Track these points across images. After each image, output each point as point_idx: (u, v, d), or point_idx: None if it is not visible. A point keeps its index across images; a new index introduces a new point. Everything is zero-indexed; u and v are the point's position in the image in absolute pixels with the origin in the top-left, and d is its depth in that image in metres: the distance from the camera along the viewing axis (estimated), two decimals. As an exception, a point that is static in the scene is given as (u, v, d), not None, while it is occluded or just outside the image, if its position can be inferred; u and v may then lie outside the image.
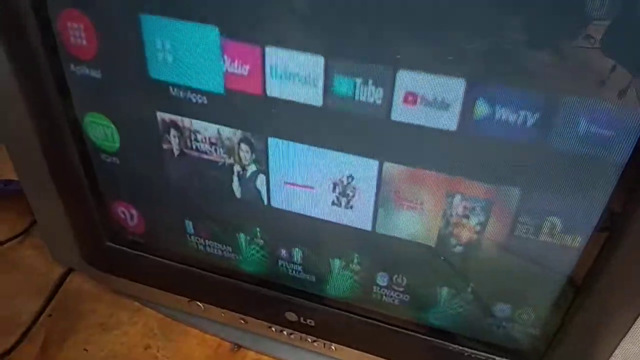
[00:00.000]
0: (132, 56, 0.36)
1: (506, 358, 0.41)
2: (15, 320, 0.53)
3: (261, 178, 0.39)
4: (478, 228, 0.35)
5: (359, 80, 0.32)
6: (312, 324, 0.46)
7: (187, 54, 0.34)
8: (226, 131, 0.37)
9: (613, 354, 0.37)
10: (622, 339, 0.36)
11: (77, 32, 0.37)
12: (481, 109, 0.30)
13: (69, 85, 0.40)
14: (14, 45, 0.39)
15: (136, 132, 0.41)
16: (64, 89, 0.41)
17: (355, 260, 0.41)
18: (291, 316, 0.47)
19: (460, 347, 0.42)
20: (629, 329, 0.35)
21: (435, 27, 0.29)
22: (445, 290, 0.40)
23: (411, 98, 0.31)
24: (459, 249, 0.37)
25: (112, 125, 0.41)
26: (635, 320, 0.35)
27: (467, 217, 0.35)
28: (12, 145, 0.47)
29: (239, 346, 0.53)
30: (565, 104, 0.28)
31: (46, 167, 0.46)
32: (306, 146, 0.36)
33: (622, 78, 0.27)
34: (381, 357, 0.46)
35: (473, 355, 0.42)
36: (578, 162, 0.30)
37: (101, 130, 0.42)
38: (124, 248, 0.50)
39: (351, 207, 0.38)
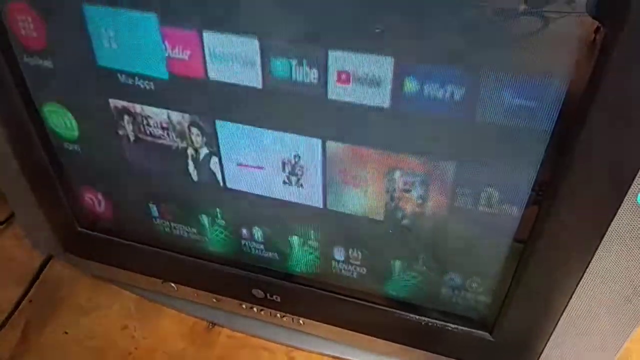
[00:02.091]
0: (79, 45, 0.37)
1: (462, 326, 0.43)
2: (-4, 307, 0.55)
3: (214, 160, 0.40)
4: (420, 201, 0.36)
5: (294, 62, 0.32)
6: (278, 299, 0.48)
7: (131, 41, 0.35)
8: (175, 115, 0.38)
9: (561, 317, 0.38)
10: (567, 301, 0.37)
11: (25, 24, 0.38)
12: (410, 85, 0.31)
13: (25, 76, 0.41)
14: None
15: (92, 120, 0.42)
16: (21, 80, 0.42)
17: (312, 237, 0.42)
18: (258, 293, 0.48)
19: (418, 317, 0.44)
20: (573, 292, 0.37)
21: (360, 6, 0.30)
22: (398, 263, 0.41)
23: (344, 76, 0.32)
24: (405, 222, 0.38)
25: (69, 114, 0.42)
26: (578, 281, 0.36)
27: (408, 191, 0.36)
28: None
29: (214, 324, 0.55)
30: (487, 77, 0.29)
31: (14, 158, 0.47)
32: (252, 127, 0.37)
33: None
34: (347, 329, 0.48)
35: (430, 324, 0.43)
36: (506, 133, 0.31)
37: (60, 120, 0.43)
38: (96, 233, 0.51)
39: (301, 186, 0.39)
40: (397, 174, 0.35)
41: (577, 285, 0.36)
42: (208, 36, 0.33)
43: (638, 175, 0.29)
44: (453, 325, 0.43)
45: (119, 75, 0.37)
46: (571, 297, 0.37)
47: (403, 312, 0.44)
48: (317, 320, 0.49)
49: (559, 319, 0.38)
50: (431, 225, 0.37)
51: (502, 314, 0.40)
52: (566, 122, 0.30)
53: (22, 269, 0.60)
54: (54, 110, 0.42)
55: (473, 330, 0.42)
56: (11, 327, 0.54)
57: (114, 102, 0.39)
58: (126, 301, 0.57)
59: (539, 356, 0.41)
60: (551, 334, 0.39)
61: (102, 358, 0.52)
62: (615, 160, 0.29)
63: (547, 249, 0.35)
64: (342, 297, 0.45)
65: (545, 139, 0.31)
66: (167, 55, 0.35)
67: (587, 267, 0.35)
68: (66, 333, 0.54)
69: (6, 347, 0.53)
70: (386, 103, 0.32)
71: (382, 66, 0.31)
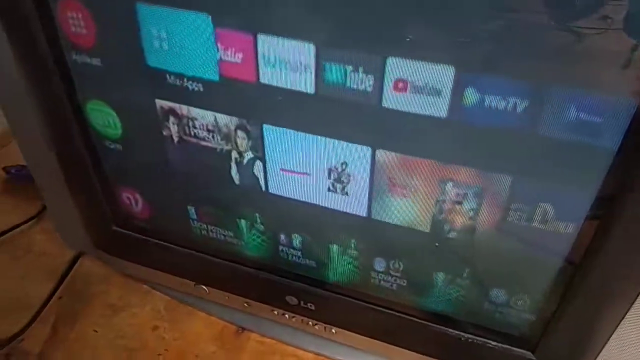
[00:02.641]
0: (129, 44, 0.37)
1: (503, 343, 0.42)
2: (27, 302, 0.55)
3: (258, 164, 0.39)
4: (471, 214, 0.35)
5: (349, 68, 0.32)
6: (312, 307, 0.47)
7: (182, 42, 0.35)
8: (222, 118, 0.38)
9: (609, 340, 0.37)
10: (617, 325, 0.36)
11: (76, 21, 0.37)
12: (470, 96, 0.30)
13: (72, 74, 0.41)
14: (18, 36, 0.40)
15: (137, 119, 0.42)
16: (67, 78, 0.42)
17: (353, 246, 0.42)
18: (292, 300, 0.47)
19: (457, 332, 0.43)
20: (624, 316, 0.35)
21: (424, 16, 0.29)
22: (441, 276, 0.40)
23: (401, 85, 0.31)
24: (452, 234, 0.37)
25: (114, 113, 0.42)
26: (631, 305, 0.35)
27: (459, 203, 0.35)
28: (20, 134, 0.48)
29: (243, 328, 0.54)
30: (554, 91, 0.28)
31: (53, 155, 0.47)
32: (300, 133, 0.36)
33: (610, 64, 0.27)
34: (380, 341, 0.47)
35: (470, 340, 0.42)
36: (567, 149, 0.30)
37: (103, 118, 0.43)
38: (131, 233, 0.51)
39: (346, 194, 0.38)
40: (449, 185, 0.34)
41: (628, 310, 0.35)
42: (263, 39, 0.33)
43: None
44: (494, 343, 0.42)
45: (167, 76, 0.37)
46: (620, 322, 0.36)
47: (442, 326, 0.43)
48: (351, 330, 0.48)
49: (605, 344, 0.37)
50: (480, 240, 0.36)
51: (546, 334, 0.39)
52: (632, 141, 0.29)
53: (53, 263, 0.60)
54: (98, 108, 0.42)
55: (515, 348, 0.41)
56: (41, 322, 0.54)
57: (161, 103, 0.39)
58: (157, 302, 0.57)
59: (583, 379, 0.40)
60: (597, 357, 0.38)
61: (132, 358, 0.52)
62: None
63: (601, 270, 0.34)
64: (378, 308, 0.45)
65: (609, 156, 0.29)
66: (219, 57, 0.34)
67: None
68: (96, 331, 0.54)
69: (37, 341, 0.53)
70: (443, 113, 0.31)
71: (442, 76, 0.30)
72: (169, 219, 0.48)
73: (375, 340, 0.47)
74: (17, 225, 0.63)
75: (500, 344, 0.42)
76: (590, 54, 0.27)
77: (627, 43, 0.26)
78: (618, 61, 0.27)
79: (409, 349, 0.46)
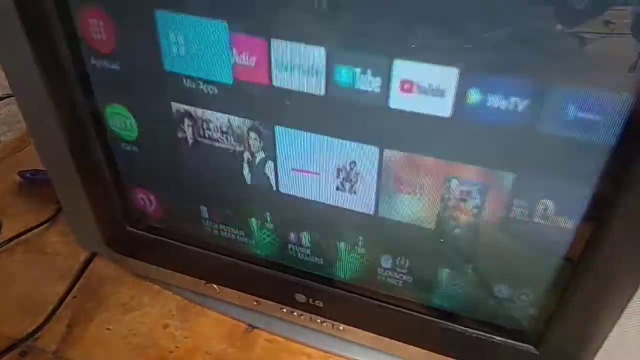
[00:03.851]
0: (148, 50, 0.38)
1: (507, 338, 0.43)
2: (42, 302, 0.57)
3: (269, 164, 0.41)
4: (475, 211, 0.37)
5: (358, 70, 0.33)
6: (321, 305, 0.48)
7: (199, 47, 0.37)
8: (236, 120, 0.39)
9: (609, 333, 0.38)
10: (617, 318, 0.37)
11: (96, 27, 0.39)
12: (474, 96, 0.32)
13: (91, 78, 0.43)
14: (39, 42, 0.42)
15: (153, 122, 0.43)
16: (86, 82, 0.43)
17: (360, 244, 0.43)
18: (300, 297, 0.49)
19: (463, 328, 0.44)
20: (624, 309, 0.37)
21: (429, 20, 0.31)
22: (446, 272, 0.41)
23: (407, 86, 0.33)
24: (457, 231, 0.38)
25: (131, 116, 0.43)
26: (630, 299, 0.36)
27: (464, 200, 0.36)
28: (38, 137, 0.50)
29: (253, 327, 0.56)
30: (553, 91, 0.30)
31: (70, 157, 0.48)
32: (310, 134, 0.38)
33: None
34: (387, 337, 0.48)
35: (474, 335, 0.43)
36: (567, 146, 0.31)
37: (121, 121, 0.44)
38: (144, 233, 0.53)
39: (355, 192, 0.40)
40: (454, 182, 0.36)
41: (627, 304, 0.36)
42: (276, 44, 0.34)
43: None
44: (498, 338, 0.43)
45: (184, 79, 0.39)
46: (620, 315, 0.37)
47: (447, 322, 0.44)
48: (358, 327, 0.49)
49: (607, 337, 0.38)
50: (483, 236, 0.38)
51: (549, 328, 0.40)
52: (629, 138, 0.30)
53: (67, 264, 0.61)
54: (116, 111, 0.44)
55: (518, 343, 0.42)
56: (56, 320, 0.56)
57: (177, 106, 0.41)
58: (168, 301, 0.58)
59: (584, 372, 0.41)
60: (598, 350, 0.39)
61: (144, 355, 0.53)
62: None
63: (601, 264, 0.35)
64: (385, 304, 0.46)
65: (608, 152, 0.31)
66: (233, 61, 0.36)
67: (639, 285, 0.35)
68: (109, 329, 0.56)
69: (52, 339, 0.54)
70: (448, 113, 0.33)
71: (446, 77, 0.31)
72: (181, 219, 0.50)
73: (382, 337, 0.48)
74: (32, 228, 0.65)
75: (504, 339, 0.43)
76: (588, 56, 0.29)
77: (624, 46, 0.27)
78: (614, 62, 0.28)
79: (415, 345, 0.47)
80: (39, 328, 0.54)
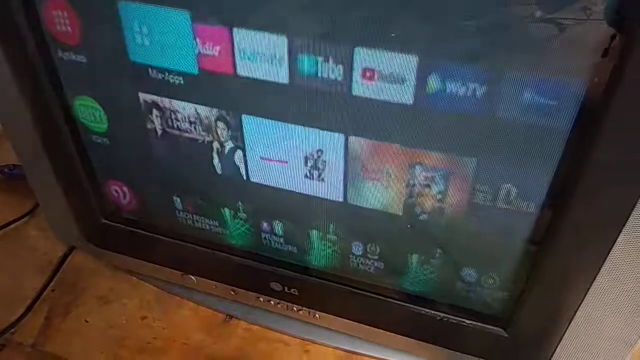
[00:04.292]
0: (113, 41, 0.38)
1: (477, 321, 0.44)
2: (20, 295, 0.57)
3: (239, 154, 0.41)
4: (439, 196, 0.37)
5: (320, 58, 0.34)
6: (296, 292, 0.49)
7: (163, 37, 0.37)
8: (203, 110, 0.39)
9: (575, 315, 0.39)
10: (581, 300, 0.38)
11: (61, 19, 0.39)
12: (433, 83, 0.32)
13: (59, 71, 0.43)
14: (5, 36, 0.41)
15: (122, 113, 0.43)
16: (54, 75, 0.43)
17: (331, 231, 0.44)
18: (276, 286, 0.49)
19: (434, 312, 0.44)
20: (587, 292, 0.37)
21: (387, 7, 0.31)
22: (415, 257, 0.42)
23: (369, 74, 0.33)
24: (423, 217, 0.39)
25: (100, 107, 0.43)
26: (592, 282, 0.37)
27: (428, 186, 0.37)
28: (11, 131, 0.50)
29: (231, 317, 0.56)
30: (507, 76, 0.30)
31: (44, 151, 0.48)
32: (277, 122, 0.38)
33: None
34: (362, 323, 0.49)
35: (445, 320, 0.44)
36: (525, 131, 0.32)
37: (90, 113, 0.44)
38: (119, 225, 0.53)
39: (323, 180, 0.40)
40: (418, 169, 0.36)
41: (591, 284, 0.37)
42: (238, 33, 0.35)
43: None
44: (468, 321, 0.44)
45: (150, 70, 0.39)
46: (585, 295, 0.38)
47: (419, 307, 0.45)
48: (333, 314, 0.50)
49: (573, 317, 0.39)
50: (449, 221, 0.38)
51: (516, 311, 0.41)
52: (583, 123, 0.31)
53: (46, 258, 0.61)
54: (84, 104, 0.44)
55: (487, 326, 0.43)
56: (34, 314, 0.56)
57: (144, 97, 0.41)
58: (146, 293, 0.58)
59: (553, 353, 0.42)
60: (565, 331, 0.40)
61: (122, 346, 0.53)
62: (630, 160, 0.30)
63: (562, 247, 0.36)
64: (358, 291, 0.47)
65: (564, 137, 0.31)
66: (197, 51, 0.36)
67: (601, 266, 0.35)
68: (87, 321, 0.56)
69: (30, 333, 0.54)
70: (409, 100, 0.33)
71: (406, 64, 0.32)
72: (155, 210, 0.50)
73: (356, 323, 0.49)
74: (10, 222, 0.65)
75: (473, 322, 0.43)
76: (544, 41, 0.29)
77: (580, 32, 0.28)
78: (568, 48, 0.29)
79: (388, 330, 0.48)
80: (17, 321, 0.55)
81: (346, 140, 0.37)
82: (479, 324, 0.43)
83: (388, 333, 0.48)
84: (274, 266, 0.48)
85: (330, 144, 0.38)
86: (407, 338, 0.47)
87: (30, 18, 0.40)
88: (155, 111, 0.41)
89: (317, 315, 0.51)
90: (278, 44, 0.34)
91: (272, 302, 0.52)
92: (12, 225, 0.65)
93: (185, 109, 0.40)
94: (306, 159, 0.39)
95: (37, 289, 0.57)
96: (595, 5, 0.27)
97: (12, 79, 0.44)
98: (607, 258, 0.35)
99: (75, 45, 0.40)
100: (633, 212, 0.32)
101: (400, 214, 0.39)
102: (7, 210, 0.66)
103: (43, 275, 0.59)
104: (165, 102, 0.40)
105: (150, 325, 0.55)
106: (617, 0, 0.26)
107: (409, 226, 0.40)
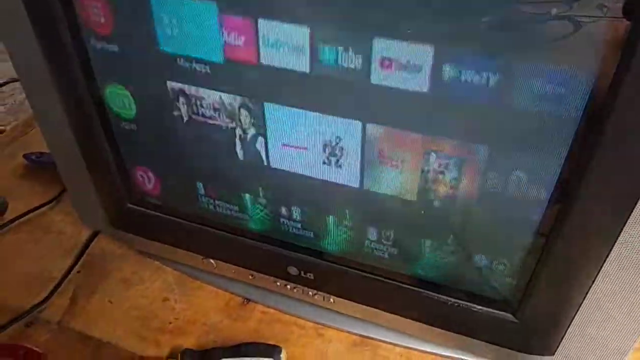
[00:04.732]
0: (144, 31, 0.41)
1: (487, 307, 0.45)
2: (47, 277, 0.59)
3: (260, 140, 0.43)
4: (453, 183, 0.39)
5: (340, 48, 0.35)
6: (312, 277, 0.51)
7: (191, 28, 0.39)
8: (227, 97, 0.41)
9: (583, 302, 0.40)
10: (589, 287, 0.39)
11: (95, 9, 0.41)
12: (448, 72, 0.33)
13: (91, 60, 0.45)
14: (42, 26, 0.44)
15: (150, 100, 0.45)
16: (87, 63, 0.46)
17: (347, 217, 0.45)
18: (293, 270, 0.51)
19: (445, 297, 0.46)
20: (595, 278, 0.39)
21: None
22: (428, 243, 0.44)
23: (387, 63, 0.35)
24: (437, 203, 0.40)
25: (129, 95, 0.46)
26: (600, 267, 0.38)
27: (442, 173, 0.38)
28: (42, 119, 0.52)
29: (248, 300, 0.58)
30: (521, 67, 0.32)
31: (73, 138, 0.51)
32: (297, 110, 0.40)
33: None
34: (374, 308, 0.50)
35: (456, 305, 0.46)
36: (536, 120, 0.33)
37: (120, 100, 0.46)
38: (144, 209, 0.55)
39: (340, 166, 0.42)
40: (433, 156, 0.38)
41: (599, 271, 0.38)
42: (262, 24, 0.36)
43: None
44: (478, 306, 0.45)
45: (178, 59, 0.41)
46: (593, 282, 0.39)
47: (431, 292, 0.46)
48: (347, 299, 0.51)
49: (581, 304, 0.40)
50: (461, 207, 0.40)
51: (526, 297, 0.42)
52: (593, 111, 0.32)
53: (72, 242, 0.64)
54: (115, 91, 0.46)
55: (497, 311, 0.44)
56: (61, 294, 0.58)
57: (172, 84, 0.43)
58: (167, 276, 0.61)
59: (561, 339, 0.43)
60: (573, 317, 0.41)
61: (145, 326, 0.56)
62: (638, 149, 0.31)
63: (571, 234, 0.37)
64: (373, 276, 0.48)
65: (574, 125, 0.33)
66: (223, 41, 0.38)
67: (609, 254, 0.37)
68: (111, 302, 0.58)
69: (56, 311, 0.57)
70: (425, 88, 0.35)
71: (422, 54, 0.33)
72: (179, 195, 0.52)
73: (370, 308, 0.51)
74: (37, 207, 0.68)
75: (484, 308, 0.45)
76: (554, 33, 0.31)
77: (593, 26, 0.29)
78: (579, 39, 0.30)
79: (401, 315, 0.49)
80: (44, 301, 0.57)
81: (364, 127, 0.39)
82: (489, 309, 0.45)
83: (399, 317, 0.50)
84: (291, 251, 0.50)
85: (348, 131, 0.39)
86: (418, 323, 0.49)
87: (65, 8, 0.42)
88: (181, 99, 0.43)
89: (332, 300, 0.52)
90: (300, 34, 0.36)
91: (288, 287, 0.54)
92: (39, 211, 0.68)
93: (210, 96, 0.42)
94: (325, 146, 0.41)
95: (63, 271, 0.60)
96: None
97: (46, 67, 0.46)
98: (615, 245, 0.36)
99: (107, 34, 0.42)
100: (640, 201, 0.33)
101: (415, 199, 0.41)
102: (32, 196, 0.69)
103: (68, 258, 0.61)
104: (192, 89, 0.42)
105: (171, 307, 0.58)
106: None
107: (422, 212, 0.41)
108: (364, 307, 0.51)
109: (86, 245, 0.63)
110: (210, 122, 0.44)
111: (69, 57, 0.45)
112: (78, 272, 0.61)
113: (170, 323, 0.56)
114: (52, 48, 0.45)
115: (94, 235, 0.64)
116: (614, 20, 0.29)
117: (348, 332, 0.55)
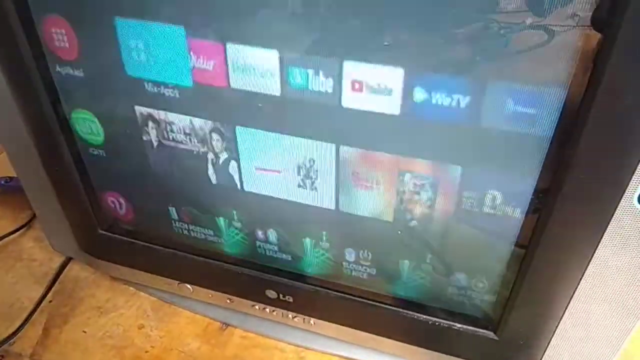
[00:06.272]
0: (110, 56, 0.40)
1: (467, 325, 0.45)
2: (18, 307, 0.57)
3: (233, 164, 0.42)
4: (428, 203, 0.38)
5: (310, 71, 0.35)
6: (291, 300, 0.50)
7: (159, 52, 0.38)
8: (198, 122, 0.41)
9: (562, 318, 0.40)
10: (568, 303, 0.39)
11: (59, 35, 0.40)
12: (419, 94, 0.33)
13: (56, 85, 0.44)
14: (5, 52, 0.43)
15: (118, 126, 0.44)
16: (52, 89, 0.44)
17: (324, 238, 0.45)
18: (271, 294, 0.50)
19: (425, 317, 0.45)
20: (574, 292, 0.38)
21: (372, 20, 0.32)
22: (406, 263, 0.43)
23: (357, 86, 0.34)
24: (414, 223, 0.40)
25: (96, 120, 0.45)
26: (578, 282, 0.38)
27: (418, 193, 0.38)
28: (9, 144, 0.51)
29: (227, 325, 0.57)
30: (491, 86, 0.32)
31: (41, 163, 0.49)
32: (270, 133, 0.39)
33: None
34: (356, 329, 0.50)
35: (437, 324, 0.45)
36: (508, 139, 0.33)
37: (87, 125, 0.45)
38: (116, 235, 0.54)
39: (315, 189, 0.41)
40: (407, 176, 0.37)
41: (577, 286, 0.38)
42: (231, 48, 0.36)
43: (633, 177, 0.31)
44: (459, 325, 0.44)
45: (145, 84, 0.40)
46: (571, 297, 0.39)
47: (411, 312, 0.46)
48: (328, 321, 0.51)
49: (561, 319, 0.40)
50: (438, 227, 0.39)
51: (506, 314, 0.42)
52: (565, 129, 0.32)
53: (43, 269, 0.62)
54: (82, 116, 0.45)
55: (478, 329, 0.44)
56: (32, 324, 0.56)
57: (140, 109, 0.42)
58: (143, 302, 0.59)
59: (543, 355, 0.43)
60: (554, 333, 0.41)
61: (120, 356, 0.54)
62: (610, 165, 0.31)
63: (548, 250, 0.37)
64: (352, 297, 0.47)
65: (546, 144, 0.33)
66: (192, 65, 0.37)
67: (586, 269, 0.37)
68: (84, 332, 0.56)
69: (28, 343, 0.55)
70: (396, 110, 0.34)
71: (392, 76, 0.33)
72: (151, 220, 0.51)
73: (351, 329, 0.50)
74: (7, 234, 0.66)
75: (464, 326, 0.44)
76: (521, 51, 0.31)
77: (564, 39, 0.29)
78: (549, 57, 0.30)
79: (382, 336, 0.49)
80: (15, 332, 0.55)
81: (337, 149, 0.38)
82: (470, 327, 0.44)
83: (381, 338, 0.49)
84: (268, 274, 0.49)
85: (322, 153, 0.39)
86: (400, 343, 0.48)
87: (28, 34, 0.41)
88: (150, 123, 0.42)
89: (312, 322, 0.52)
90: (269, 58, 0.35)
91: (267, 310, 0.53)
92: (8, 237, 0.66)
93: (180, 121, 0.41)
94: (299, 169, 0.40)
95: (35, 300, 0.58)
96: (581, 11, 0.28)
97: (10, 93, 0.45)
98: (592, 260, 0.36)
99: (73, 60, 0.41)
100: (614, 215, 0.33)
101: (391, 220, 0.40)
102: (3, 223, 0.67)
103: (40, 286, 0.60)
104: (161, 114, 0.41)
105: (147, 334, 0.56)
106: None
107: (400, 232, 0.41)
108: (345, 328, 0.50)
109: (58, 273, 0.61)
110: (181, 146, 0.43)
111: (33, 82, 0.44)
112: (50, 301, 0.59)
113: (146, 352, 0.54)
114: (15, 73, 0.44)
115: (67, 262, 0.62)
116: (585, 28, 0.28)
117: (330, 354, 0.54)
